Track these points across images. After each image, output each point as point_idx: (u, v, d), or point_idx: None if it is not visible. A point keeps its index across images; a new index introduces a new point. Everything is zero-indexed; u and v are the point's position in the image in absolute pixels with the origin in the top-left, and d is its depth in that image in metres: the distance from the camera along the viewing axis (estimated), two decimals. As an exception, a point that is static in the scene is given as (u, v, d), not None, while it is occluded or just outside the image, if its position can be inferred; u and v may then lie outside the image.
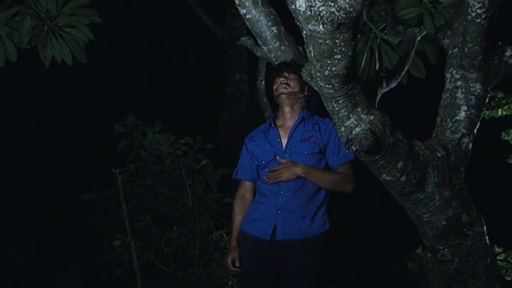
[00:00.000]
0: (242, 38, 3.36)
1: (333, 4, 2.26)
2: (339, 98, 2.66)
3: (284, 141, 2.79)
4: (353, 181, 2.82)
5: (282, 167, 2.71)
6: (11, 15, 3.59)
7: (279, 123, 2.88)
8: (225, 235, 4.58)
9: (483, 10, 2.64)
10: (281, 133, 2.83)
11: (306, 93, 2.85)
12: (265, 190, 2.78)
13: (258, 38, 3.10)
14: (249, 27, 3.10)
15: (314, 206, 2.73)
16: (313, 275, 2.68)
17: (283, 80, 2.82)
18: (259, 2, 3.02)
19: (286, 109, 2.84)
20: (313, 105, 2.90)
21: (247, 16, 3.03)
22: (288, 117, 2.84)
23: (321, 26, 2.31)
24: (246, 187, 2.94)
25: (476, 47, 2.80)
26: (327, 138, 2.79)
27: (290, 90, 2.81)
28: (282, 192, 2.72)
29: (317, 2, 2.27)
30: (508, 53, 2.97)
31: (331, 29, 2.31)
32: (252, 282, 2.76)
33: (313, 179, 2.72)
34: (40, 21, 3.64)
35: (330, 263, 2.80)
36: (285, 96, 2.82)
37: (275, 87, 2.86)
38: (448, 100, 3.03)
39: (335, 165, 2.81)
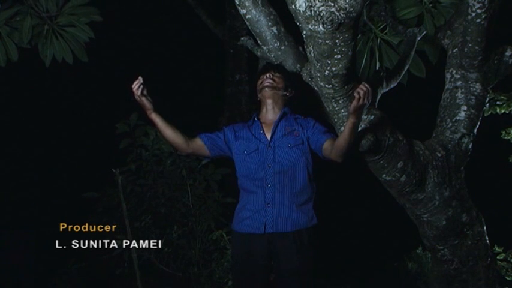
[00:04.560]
0: (242, 38, 3.37)
1: (333, 4, 2.26)
2: (339, 98, 2.67)
3: (268, 135, 2.84)
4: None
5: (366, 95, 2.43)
6: (11, 15, 3.61)
7: (261, 119, 2.92)
8: (225, 235, 4.58)
9: (483, 10, 2.64)
10: (264, 128, 2.87)
11: (288, 94, 2.91)
12: (252, 186, 2.79)
13: (258, 38, 3.10)
14: (249, 27, 3.10)
15: (301, 199, 2.76)
16: (307, 266, 2.71)
17: (269, 76, 2.89)
18: (259, 2, 3.02)
19: (269, 103, 2.89)
20: (295, 107, 2.95)
21: (247, 16, 3.04)
22: (271, 112, 2.89)
23: (321, 26, 2.31)
24: (196, 139, 2.89)
25: (476, 47, 2.80)
26: (311, 129, 2.80)
27: (274, 84, 2.88)
28: (269, 186, 2.75)
29: (317, 2, 2.28)
30: (508, 53, 2.97)
31: (331, 29, 2.31)
32: (245, 280, 2.77)
33: (356, 125, 2.53)
34: (40, 20, 3.65)
35: (331, 263, 2.80)
36: (268, 89, 2.87)
37: (259, 82, 2.92)
38: (448, 100, 3.03)
39: (323, 138, 2.74)
